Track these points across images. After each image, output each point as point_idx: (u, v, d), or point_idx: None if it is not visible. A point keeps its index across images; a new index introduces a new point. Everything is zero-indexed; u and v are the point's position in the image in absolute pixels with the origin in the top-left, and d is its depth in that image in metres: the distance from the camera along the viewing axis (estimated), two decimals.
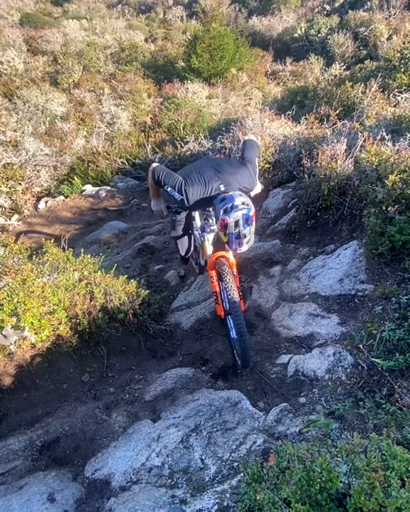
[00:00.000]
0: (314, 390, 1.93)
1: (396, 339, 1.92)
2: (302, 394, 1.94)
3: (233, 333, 2.17)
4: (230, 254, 2.30)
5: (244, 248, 2.00)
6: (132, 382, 2.20)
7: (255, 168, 2.25)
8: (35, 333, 2.01)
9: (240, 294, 2.22)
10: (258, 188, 2.40)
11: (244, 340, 2.03)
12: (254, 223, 1.98)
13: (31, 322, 1.97)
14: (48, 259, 2.38)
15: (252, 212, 1.95)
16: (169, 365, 2.33)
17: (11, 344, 1.93)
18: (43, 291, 2.09)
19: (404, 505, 0.95)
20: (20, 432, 1.92)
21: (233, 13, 16.18)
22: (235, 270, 2.30)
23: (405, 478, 1.02)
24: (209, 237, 2.47)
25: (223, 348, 2.42)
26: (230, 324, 2.23)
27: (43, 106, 8.15)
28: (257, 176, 2.27)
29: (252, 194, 2.32)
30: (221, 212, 1.92)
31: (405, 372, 1.75)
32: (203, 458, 1.65)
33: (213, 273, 2.31)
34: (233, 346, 2.26)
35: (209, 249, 2.48)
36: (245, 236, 1.96)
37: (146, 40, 14.58)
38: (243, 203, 1.93)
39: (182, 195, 2.07)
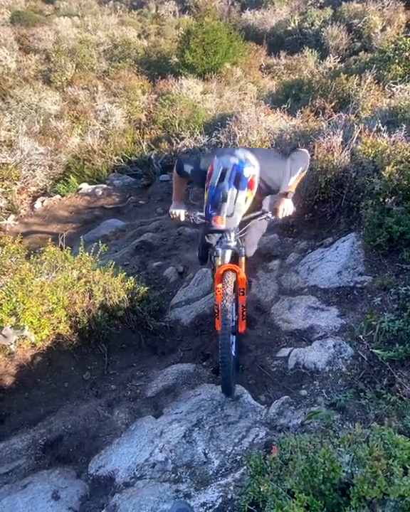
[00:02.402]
0: (315, 382, 1.94)
1: (395, 330, 1.92)
2: (303, 386, 1.95)
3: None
4: (239, 269, 1.94)
5: (220, 222, 1.58)
6: (134, 379, 2.20)
7: (294, 173, 1.90)
8: (35, 333, 2.00)
9: (244, 314, 2.02)
10: (287, 205, 1.93)
11: (224, 366, 1.75)
12: (247, 192, 1.56)
13: (31, 321, 1.97)
14: (45, 259, 2.37)
15: (249, 173, 1.55)
16: (170, 361, 2.34)
17: (11, 344, 1.93)
18: (41, 290, 2.08)
19: (407, 492, 0.95)
20: (23, 431, 1.92)
21: (225, 7, 16.03)
22: (243, 286, 1.99)
23: (407, 466, 1.02)
24: (225, 255, 1.99)
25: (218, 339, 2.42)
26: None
27: (36, 105, 8.09)
28: (291, 181, 1.91)
29: (279, 214, 1.91)
30: (215, 156, 1.62)
31: (405, 363, 1.76)
32: (207, 452, 1.66)
33: (220, 286, 1.94)
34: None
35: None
36: (224, 200, 1.53)
37: (139, 36, 14.43)
38: (245, 158, 1.58)
39: (202, 165, 1.78)
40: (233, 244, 1.94)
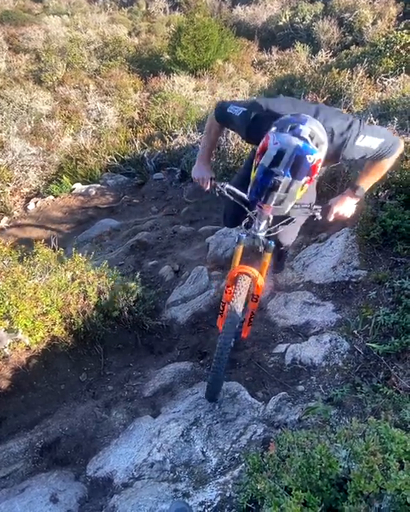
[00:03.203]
0: (312, 377, 1.93)
1: (390, 323, 1.92)
2: (300, 382, 1.95)
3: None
4: (258, 273, 1.71)
5: (266, 211, 1.33)
6: (131, 379, 2.19)
7: (367, 146, 1.39)
8: (30, 335, 1.99)
9: (251, 320, 1.88)
10: (346, 208, 1.57)
11: (216, 369, 1.64)
12: (306, 179, 1.24)
13: (24, 324, 1.95)
14: (38, 260, 2.34)
15: (313, 159, 1.21)
16: (167, 360, 2.33)
17: (5, 347, 1.91)
18: (35, 293, 2.06)
19: (403, 486, 0.95)
20: (20, 435, 1.91)
21: (216, 3, 15.94)
22: (258, 293, 1.78)
23: (403, 460, 1.02)
24: (248, 243, 1.74)
25: (217, 340, 2.41)
26: None
27: (27, 105, 8.01)
28: (359, 152, 1.41)
29: (330, 217, 1.56)
30: (274, 126, 1.26)
31: (400, 356, 1.76)
32: (205, 450, 1.65)
33: (232, 288, 1.78)
34: None
35: (238, 259, 1.80)
36: (275, 189, 1.23)
37: (129, 33, 14.31)
38: (310, 136, 1.22)
39: (254, 126, 1.42)
40: (261, 234, 1.60)
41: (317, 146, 1.24)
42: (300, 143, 1.21)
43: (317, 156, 1.24)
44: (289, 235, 2.00)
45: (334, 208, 1.56)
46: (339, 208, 1.57)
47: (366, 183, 1.58)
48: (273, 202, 1.29)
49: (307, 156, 1.21)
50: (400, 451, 1.04)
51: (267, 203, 1.30)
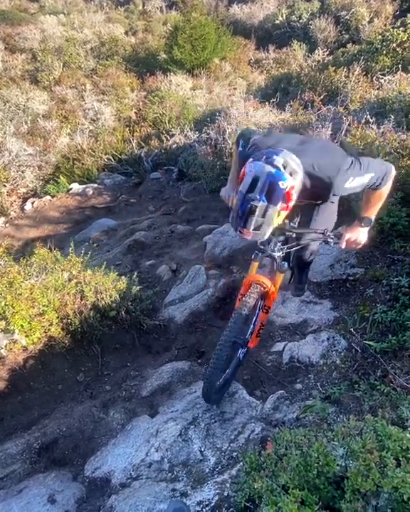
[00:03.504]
0: (309, 375, 1.93)
1: (388, 321, 1.92)
2: (298, 380, 1.94)
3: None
4: (270, 283, 1.77)
5: (246, 235, 1.40)
6: (128, 379, 2.18)
7: (357, 176, 1.46)
8: (26, 336, 1.98)
9: (260, 331, 1.92)
10: (359, 236, 1.62)
11: (213, 369, 1.65)
12: (281, 206, 1.32)
13: (21, 325, 1.94)
14: (35, 261, 2.33)
15: (286, 185, 1.30)
16: (165, 360, 2.32)
17: (2, 348, 1.90)
18: (31, 293, 2.05)
19: (400, 484, 0.95)
20: (17, 436, 1.90)
21: (213, 1, 15.89)
22: (270, 304, 1.86)
23: (400, 458, 1.02)
24: (263, 262, 1.84)
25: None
26: None
27: (24, 105, 7.97)
28: (351, 186, 1.48)
29: (342, 244, 1.61)
30: (251, 158, 1.38)
31: (398, 353, 1.77)
32: (203, 450, 1.65)
33: (241, 296, 1.84)
34: None
35: (253, 272, 1.88)
36: (252, 213, 1.32)
37: (126, 33, 14.26)
38: (283, 165, 1.31)
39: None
40: (276, 254, 1.74)
41: (290, 174, 1.33)
42: (273, 170, 1.31)
43: (290, 183, 1.32)
44: (308, 251, 2.03)
45: (346, 235, 1.62)
46: (351, 235, 1.63)
47: (371, 212, 1.66)
48: (252, 226, 1.36)
49: (280, 183, 1.30)
50: (397, 448, 1.04)
51: (246, 227, 1.37)
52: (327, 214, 1.88)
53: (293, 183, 1.34)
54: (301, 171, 1.38)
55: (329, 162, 1.45)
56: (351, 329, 1.95)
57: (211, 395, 1.78)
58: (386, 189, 1.57)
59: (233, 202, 1.67)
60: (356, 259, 2.44)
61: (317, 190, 1.49)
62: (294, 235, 1.75)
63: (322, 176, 1.43)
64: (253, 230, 1.37)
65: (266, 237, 1.42)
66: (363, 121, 3.21)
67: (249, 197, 1.32)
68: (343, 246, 1.64)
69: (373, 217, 1.67)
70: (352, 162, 1.45)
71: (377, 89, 4.42)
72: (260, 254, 1.78)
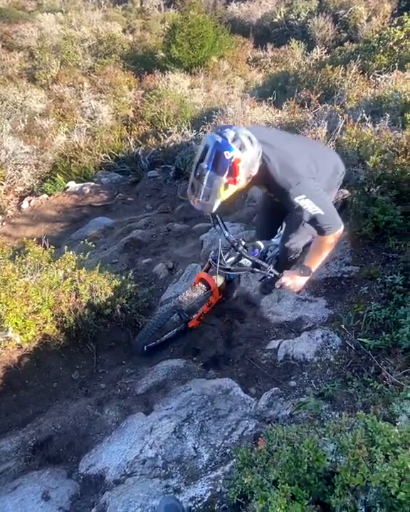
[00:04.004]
0: (304, 372, 1.94)
1: (381, 318, 1.93)
2: (292, 377, 1.95)
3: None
4: (214, 284, 2.01)
5: (195, 203, 1.45)
6: (123, 377, 2.19)
7: (307, 209, 1.51)
8: (21, 334, 1.98)
9: (201, 318, 2.29)
10: (295, 283, 1.73)
11: (148, 328, 2.10)
12: (228, 179, 1.35)
13: (15, 322, 1.94)
14: (29, 259, 2.33)
15: (231, 156, 1.32)
16: (160, 358, 2.32)
17: None
18: (26, 291, 2.05)
19: (388, 478, 0.95)
20: (12, 433, 1.90)
21: (211, 0, 15.84)
22: (213, 301, 2.15)
23: (388, 453, 1.03)
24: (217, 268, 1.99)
25: (214, 337, 2.42)
26: None
27: (21, 103, 7.94)
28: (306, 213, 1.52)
29: (276, 285, 1.75)
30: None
31: (391, 350, 1.77)
32: (196, 446, 1.66)
33: (189, 288, 2.18)
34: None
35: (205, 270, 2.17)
36: (201, 182, 1.36)
37: (124, 31, 14.20)
38: (233, 138, 1.34)
39: None
40: (223, 270, 1.95)
41: (239, 148, 1.35)
42: (220, 139, 1.35)
43: (236, 155, 1.34)
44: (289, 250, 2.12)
45: (283, 279, 1.72)
46: (287, 281, 1.72)
47: (312, 262, 1.73)
48: (200, 195, 1.41)
49: (225, 152, 1.33)
50: (386, 443, 1.04)
51: (195, 195, 1.42)
52: (303, 233, 1.98)
53: (240, 155, 1.35)
54: (254, 149, 1.40)
55: (292, 168, 1.49)
56: (346, 326, 1.96)
57: (140, 347, 2.15)
58: (329, 240, 1.61)
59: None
60: (351, 257, 2.45)
61: (274, 186, 1.54)
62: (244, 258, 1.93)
63: (279, 176, 1.49)
64: (202, 199, 1.42)
65: (214, 210, 1.46)
66: (359, 119, 3.21)
67: (199, 166, 1.37)
68: (277, 286, 1.74)
69: (314, 269, 1.73)
70: (312, 184, 1.51)
71: (374, 87, 4.43)
72: (212, 262, 2.00)
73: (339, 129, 3.18)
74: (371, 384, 1.64)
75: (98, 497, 1.55)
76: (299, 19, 11.69)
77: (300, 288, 1.77)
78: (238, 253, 1.93)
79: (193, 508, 1.35)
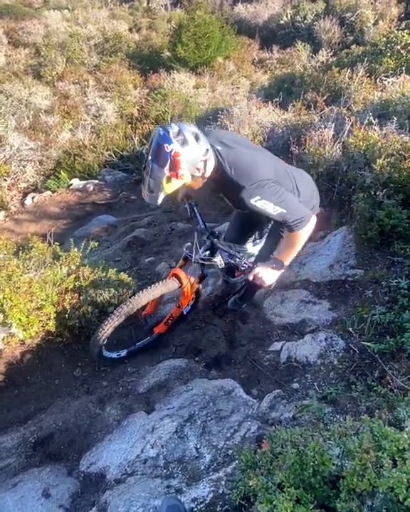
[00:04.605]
0: (307, 375, 1.93)
1: (386, 322, 1.92)
2: (295, 380, 1.94)
3: None
4: (187, 281, 1.95)
5: (145, 195, 1.51)
6: (125, 375, 2.18)
7: (266, 199, 1.50)
8: (24, 330, 1.97)
9: (168, 322, 2.15)
10: (265, 275, 1.67)
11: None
12: (169, 173, 1.38)
13: (19, 318, 1.93)
14: (34, 255, 2.32)
15: (170, 150, 1.35)
16: (162, 357, 2.32)
17: None
18: (30, 287, 2.04)
19: (396, 484, 0.95)
20: (13, 430, 1.89)
21: (217, 0, 15.85)
22: (183, 302, 2.05)
23: (396, 458, 1.02)
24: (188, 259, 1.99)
25: (216, 337, 2.41)
26: None
27: (26, 100, 7.93)
28: (265, 207, 1.52)
29: (249, 276, 1.68)
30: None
31: (395, 355, 1.77)
32: (198, 447, 1.65)
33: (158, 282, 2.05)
34: None
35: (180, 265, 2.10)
36: (147, 173, 1.43)
37: (130, 29, 14.23)
38: (175, 132, 1.38)
39: None
40: (199, 260, 1.91)
41: (182, 144, 1.37)
42: (162, 132, 1.38)
43: (176, 148, 1.36)
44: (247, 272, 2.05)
45: (256, 269, 1.66)
46: (260, 272, 1.66)
47: (284, 256, 1.70)
48: (146, 187, 1.47)
49: (165, 145, 1.36)
50: (393, 449, 1.03)
51: (144, 187, 1.48)
52: (270, 241, 2.01)
53: (181, 150, 1.37)
54: (198, 146, 1.41)
55: (247, 170, 1.49)
56: (350, 330, 1.95)
57: (95, 353, 1.97)
58: (302, 234, 1.59)
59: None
60: (355, 260, 2.44)
61: (228, 189, 1.58)
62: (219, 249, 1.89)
63: (233, 177, 1.49)
64: (148, 191, 1.47)
65: (159, 202, 1.50)
66: (366, 122, 3.21)
67: (147, 158, 1.43)
68: (250, 278, 1.68)
69: (286, 263, 1.70)
70: (268, 185, 1.48)
71: (380, 90, 4.42)
72: (187, 252, 1.95)
73: (346, 132, 3.17)
74: (375, 388, 1.63)
75: (99, 496, 1.55)
76: (305, 21, 11.70)
77: (271, 281, 1.72)
78: (212, 245, 1.92)
79: (195, 509, 1.34)
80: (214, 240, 1.89)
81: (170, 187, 1.44)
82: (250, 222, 2.11)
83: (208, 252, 1.95)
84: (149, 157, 1.41)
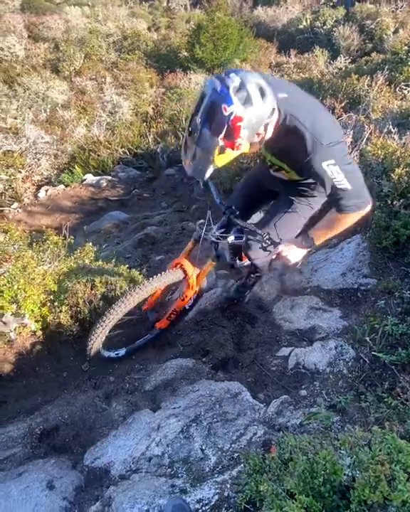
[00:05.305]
0: (315, 382, 1.92)
1: (398, 334, 1.90)
2: (303, 386, 1.93)
3: None
4: (192, 272, 1.76)
5: (186, 165, 1.20)
6: (132, 372, 2.18)
7: (333, 176, 1.26)
8: (36, 321, 1.99)
9: (171, 316, 1.99)
10: (292, 254, 1.48)
11: (95, 327, 1.78)
12: (224, 141, 1.07)
13: (31, 310, 1.95)
14: (48, 247, 2.34)
15: (231, 112, 1.03)
16: (170, 356, 2.32)
17: (11, 331, 1.91)
18: (43, 279, 2.06)
19: None
20: (20, 420, 1.91)
21: (237, 2, 15.89)
22: (187, 293, 1.87)
23: None
24: (204, 246, 1.75)
25: (224, 339, 2.40)
26: None
27: (43, 93, 8.03)
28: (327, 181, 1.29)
29: (274, 254, 1.49)
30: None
31: (407, 367, 1.75)
32: (204, 448, 1.64)
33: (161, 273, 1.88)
34: None
35: (187, 252, 1.91)
36: (193, 138, 1.09)
37: (149, 28, 14.32)
38: (237, 87, 1.03)
39: None
40: (213, 238, 1.66)
41: (244, 103, 1.04)
42: (219, 87, 1.04)
43: (236, 111, 1.03)
44: (257, 254, 1.82)
45: (280, 247, 1.47)
46: (285, 251, 1.48)
47: (320, 235, 1.51)
48: (190, 155, 1.15)
49: (223, 105, 1.03)
50: (408, 462, 1.02)
51: (187, 155, 1.17)
52: (289, 225, 1.74)
53: (243, 113, 1.04)
54: (265, 104, 1.09)
55: (323, 126, 1.22)
56: (361, 339, 1.94)
57: (92, 351, 1.87)
58: (351, 218, 1.38)
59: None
60: (369, 269, 2.42)
61: (292, 147, 1.26)
62: (237, 226, 1.66)
63: (308, 135, 1.20)
64: (191, 160, 1.15)
65: (206, 177, 1.20)
66: (385, 130, 3.18)
67: (193, 119, 1.11)
68: (273, 256, 1.51)
69: (317, 243, 1.50)
70: (342, 150, 1.27)
71: (400, 99, 4.39)
72: (200, 235, 1.69)
73: (364, 139, 3.15)
74: (385, 400, 1.61)
75: (103, 491, 1.55)
76: (325, 27, 11.67)
77: (296, 261, 1.52)
78: (228, 221, 1.68)
79: (200, 510, 1.34)
80: (231, 216, 1.65)
81: (222, 159, 1.14)
82: (261, 196, 1.87)
83: (223, 230, 1.72)
84: (198, 118, 1.08)
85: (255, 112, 1.08)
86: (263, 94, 1.09)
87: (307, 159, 1.25)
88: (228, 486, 1.43)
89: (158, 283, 1.77)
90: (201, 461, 1.59)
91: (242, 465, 1.49)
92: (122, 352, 2.04)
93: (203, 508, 1.35)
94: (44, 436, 1.82)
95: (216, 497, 1.39)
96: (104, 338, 1.82)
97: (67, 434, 1.83)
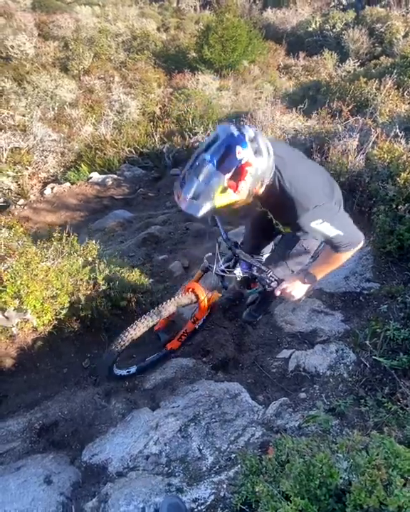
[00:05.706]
0: (315, 385, 1.92)
1: (400, 339, 1.89)
2: (302, 389, 1.93)
3: None
4: (204, 296, 1.85)
5: (181, 201, 1.21)
6: None
7: (317, 220, 1.33)
8: (38, 317, 2.00)
9: (182, 338, 2.07)
10: (295, 289, 1.55)
11: (114, 344, 1.76)
12: (229, 182, 1.13)
13: (34, 305, 1.96)
14: (52, 244, 2.36)
15: (243, 157, 1.12)
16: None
17: (13, 326, 1.92)
18: (46, 275, 2.07)
19: (406, 504, 0.93)
20: (20, 414, 1.92)
21: (247, 4, 15.90)
22: (199, 317, 1.96)
23: (408, 477, 1.00)
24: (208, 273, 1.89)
25: (225, 340, 2.41)
26: None
27: (52, 91, 8.08)
28: (316, 228, 1.36)
29: (277, 291, 1.55)
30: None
31: (408, 372, 1.74)
32: (201, 448, 1.65)
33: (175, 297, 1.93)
34: None
35: (197, 278, 2.02)
36: (197, 175, 1.14)
37: (158, 29, 14.38)
38: (251, 137, 1.14)
39: None
40: (219, 273, 1.76)
41: (255, 152, 1.14)
42: (236, 133, 1.13)
43: (248, 156, 1.12)
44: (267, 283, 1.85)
45: (284, 284, 1.55)
46: (288, 287, 1.55)
47: (319, 271, 1.57)
48: (191, 193, 1.16)
49: (237, 148, 1.11)
50: (405, 468, 1.02)
51: (183, 190, 1.17)
52: (298, 259, 1.82)
53: (252, 160, 1.13)
54: (269, 160, 1.20)
55: (308, 190, 1.32)
56: (363, 343, 1.93)
57: (105, 369, 1.89)
58: (345, 256, 1.48)
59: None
60: (372, 274, 2.41)
61: (281, 208, 1.36)
62: (242, 261, 1.77)
63: (296, 201, 1.30)
64: (190, 197, 1.16)
65: (200, 214, 1.18)
66: (391, 134, 3.17)
67: (200, 156, 1.16)
68: (277, 293, 1.55)
69: (318, 278, 1.57)
70: (329, 207, 1.37)
71: (408, 103, 4.37)
72: (207, 267, 1.83)
73: (371, 143, 3.14)
74: (385, 404, 1.61)
75: (100, 487, 1.56)
76: (334, 30, 11.65)
77: (299, 296, 1.59)
78: (234, 256, 1.81)
79: (196, 509, 1.34)
80: (237, 251, 1.77)
81: (221, 199, 1.16)
82: (269, 232, 1.98)
83: (229, 264, 1.86)
84: (207, 155, 1.13)
85: (262, 164, 1.19)
86: (268, 152, 1.21)
87: (296, 221, 1.35)
88: (225, 486, 1.43)
89: (172, 307, 1.84)
90: (198, 461, 1.59)
91: (239, 466, 1.49)
92: (132, 370, 2.07)
93: (199, 508, 1.36)
94: (43, 432, 1.83)
95: (212, 497, 1.39)
96: (117, 358, 1.85)
97: (66, 430, 1.84)
